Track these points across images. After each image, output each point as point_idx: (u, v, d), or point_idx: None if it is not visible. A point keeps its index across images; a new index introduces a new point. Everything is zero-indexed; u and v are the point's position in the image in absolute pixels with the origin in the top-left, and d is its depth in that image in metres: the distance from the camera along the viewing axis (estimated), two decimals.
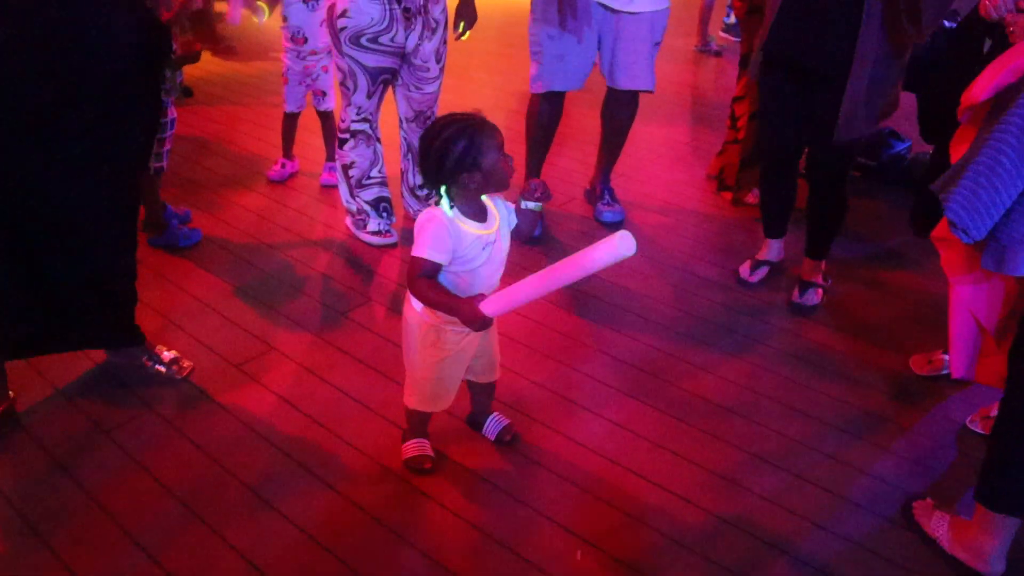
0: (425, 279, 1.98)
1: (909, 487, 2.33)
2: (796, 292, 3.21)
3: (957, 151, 2.22)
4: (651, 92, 3.58)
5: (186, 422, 2.43)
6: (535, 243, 3.50)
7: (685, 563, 2.06)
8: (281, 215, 3.71)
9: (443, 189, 1.97)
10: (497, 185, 2.01)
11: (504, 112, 5.16)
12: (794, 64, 2.88)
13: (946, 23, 4.03)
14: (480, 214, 2.02)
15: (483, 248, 2.02)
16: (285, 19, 3.79)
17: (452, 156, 1.92)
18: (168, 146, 3.26)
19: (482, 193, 2.03)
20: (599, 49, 3.46)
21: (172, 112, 3.21)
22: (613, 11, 3.37)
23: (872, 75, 2.74)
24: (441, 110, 3.47)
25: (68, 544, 2.02)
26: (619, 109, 3.68)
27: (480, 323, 1.97)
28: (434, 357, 2.14)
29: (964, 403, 2.66)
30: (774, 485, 2.32)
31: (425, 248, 1.96)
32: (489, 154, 1.95)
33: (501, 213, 2.08)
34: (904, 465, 2.42)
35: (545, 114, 3.56)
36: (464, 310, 1.95)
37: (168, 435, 2.38)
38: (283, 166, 4.12)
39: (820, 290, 3.22)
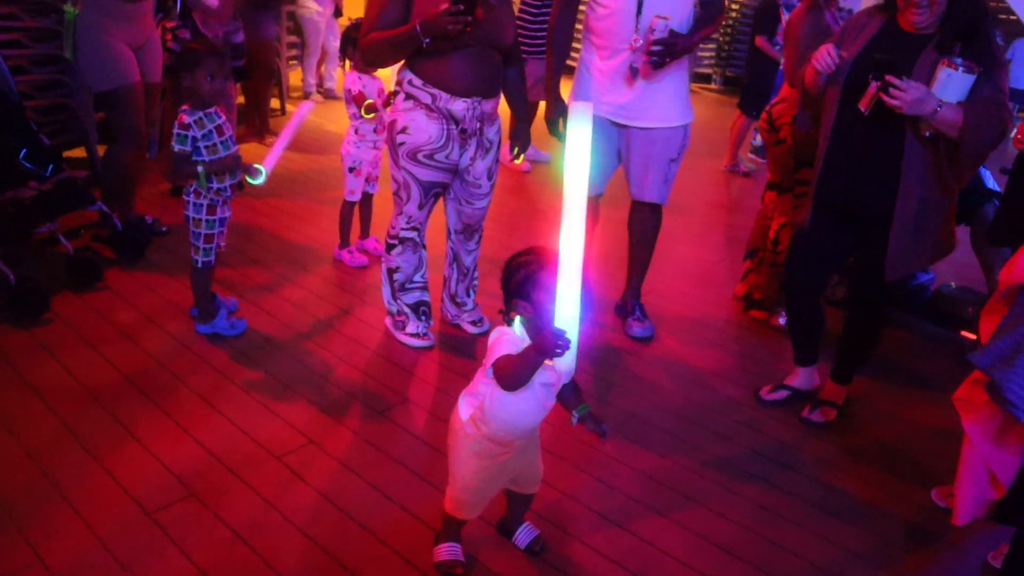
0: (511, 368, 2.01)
1: None
2: (807, 408, 3.33)
3: (987, 325, 2.39)
4: (661, 204, 3.77)
5: (224, 508, 2.51)
6: None
7: None
8: (322, 310, 3.85)
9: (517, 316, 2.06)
10: (533, 341, 2.00)
11: (530, 219, 5.35)
12: (842, 209, 3.04)
13: None
14: None
15: (539, 383, 2.06)
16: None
17: (513, 280, 2.05)
18: (217, 242, 3.39)
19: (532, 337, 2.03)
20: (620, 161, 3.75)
21: (225, 211, 3.37)
22: (622, 127, 3.61)
23: (917, 216, 2.89)
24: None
25: None
26: (637, 219, 3.88)
27: (559, 340, 1.88)
28: (477, 468, 2.20)
29: (985, 539, 2.69)
30: None
31: (504, 350, 2.02)
32: (531, 291, 2.01)
33: (560, 371, 2.09)
34: None
35: None
36: (541, 346, 1.91)
37: (205, 519, 2.46)
38: (354, 252, 4.42)
39: (833, 411, 3.32)
